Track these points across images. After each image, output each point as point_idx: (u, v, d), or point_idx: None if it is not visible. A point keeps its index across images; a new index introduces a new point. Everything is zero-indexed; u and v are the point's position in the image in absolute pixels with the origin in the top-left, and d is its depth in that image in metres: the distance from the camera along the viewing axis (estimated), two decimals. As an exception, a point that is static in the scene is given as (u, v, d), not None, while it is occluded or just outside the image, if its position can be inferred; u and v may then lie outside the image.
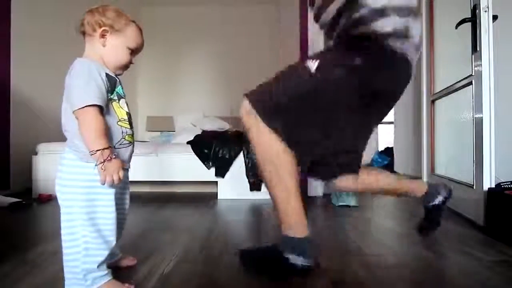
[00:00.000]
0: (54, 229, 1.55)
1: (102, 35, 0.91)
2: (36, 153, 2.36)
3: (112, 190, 0.87)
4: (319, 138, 1.00)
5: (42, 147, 2.35)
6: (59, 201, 0.86)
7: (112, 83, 0.90)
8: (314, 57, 1.04)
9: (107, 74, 0.89)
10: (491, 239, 1.39)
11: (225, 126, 3.74)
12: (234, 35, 4.66)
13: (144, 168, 2.40)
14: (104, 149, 0.80)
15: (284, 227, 1.03)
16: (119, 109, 0.91)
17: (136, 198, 2.32)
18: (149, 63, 4.76)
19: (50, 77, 2.94)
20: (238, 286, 0.96)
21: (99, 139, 0.81)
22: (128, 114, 0.95)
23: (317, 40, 2.48)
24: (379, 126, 5.11)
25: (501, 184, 1.51)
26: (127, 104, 0.96)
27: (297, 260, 1.00)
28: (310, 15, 2.49)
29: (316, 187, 2.46)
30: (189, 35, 4.71)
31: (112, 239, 0.89)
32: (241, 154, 2.38)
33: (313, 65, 0.97)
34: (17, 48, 2.52)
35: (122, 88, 0.95)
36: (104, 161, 0.80)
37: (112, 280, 0.90)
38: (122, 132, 0.91)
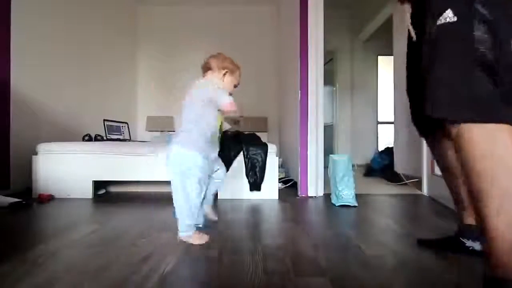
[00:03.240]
0: (54, 229, 1.55)
1: (224, 74, 1.47)
2: (36, 153, 2.36)
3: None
4: None
5: (42, 147, 2.35)
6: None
7: None
8: None
9: None
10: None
11: (225, 126, 3.74)
12: (233, 35, 4.66)
13: (144, 168, 2.40)
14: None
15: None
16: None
17: (136, 198, 2.32)
18: (149, 63, 4.77)
19: (50, 77, 2.95)
20: (238, 286, 0.96)
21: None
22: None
23: (317, 40, 2.48)
24: (379, 126, 5.12)
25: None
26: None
27: (474, 245, 1.10)
28: (310, 15, 2.50)
29: (316, 187, 2.47)
30: (188, 35, 4.71)
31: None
32: (241, 154, 2.37)
33: None
34: (17, 48, 2.52)
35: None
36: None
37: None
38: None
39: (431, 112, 0.84)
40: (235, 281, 0.98)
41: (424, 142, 2.50)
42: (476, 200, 0.79)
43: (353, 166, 2.25)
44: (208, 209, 1.64)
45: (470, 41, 0.77)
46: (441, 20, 0.81)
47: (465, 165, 0.80)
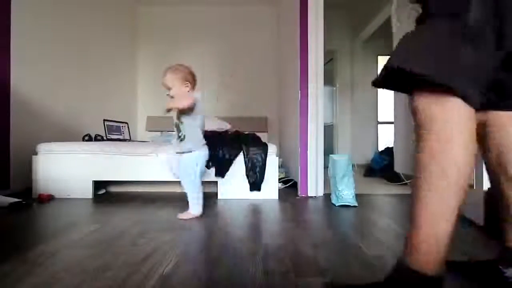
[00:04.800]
0: (54, 229, 1.55)
1: None
2: (36, 153, 2.36)
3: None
4: None
5: (42, 147, 2.35)
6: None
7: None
8: None
9: None
10: (491, 239, 1.39)
11: (225, 126, 3.74)
12: (233, 35, 4.66)
13: (144, 168, 2.40)
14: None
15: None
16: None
17: (136, 198, 2.32)
18: (149, 63, 4.76)
19: (50, 77, 2.95)
20: (238, 286, 0.96)
21: None
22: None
23: (317, 40, 2.48)
24: (379, 126, 5.12)
25: (501, 184, 1.50)
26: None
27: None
28: (310, 15, 2.50)
29: (317, 187, 2.47)
30: (188, 35, 4.71)
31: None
32: (241, 154, 2.38)
33: None
34: (17, 48, 2.52)
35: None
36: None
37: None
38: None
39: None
40: (235, 281, 0.98)
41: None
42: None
43: (353, 166, 2.25)
44: None
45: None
46: None
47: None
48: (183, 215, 1.78)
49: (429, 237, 0.73)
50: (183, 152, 1.81)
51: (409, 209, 0.80)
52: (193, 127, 1.79)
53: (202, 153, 1.83)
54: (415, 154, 0.78)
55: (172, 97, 1.79)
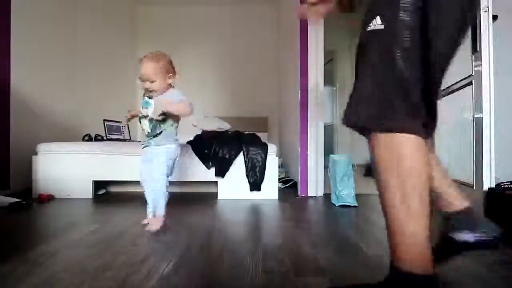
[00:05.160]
0: (54, 229, 1.55)
1: None
2: (36, 153, 2.36)
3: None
4: None
5: (42, 147, 2.35)
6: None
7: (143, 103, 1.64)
8: None
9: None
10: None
11: (225, 126, 3.74)
12: (233, 35, 4.66)
13: (144, 168, 2.39)
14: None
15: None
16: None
17: (137, 198, 2.32)
18: (149, 63, 4.76)
19: (50, 77, 2.95)
20: (238, 286, 0.96)
21: None
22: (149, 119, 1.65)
23: (317, 40, 2.48)
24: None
25: (501, 184, 1.51)
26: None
27: (465, 236, 0.92)
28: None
29: (317, 187, 2.47)
30: (187, 35, 4.70)
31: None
32: (241, 154, 2.38)
33: None
34: (17, 48, 2.52)
35: (147, 103, 1.63)
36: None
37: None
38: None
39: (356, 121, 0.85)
40: (235, 281, 0.98)
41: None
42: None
43: (353, 166, 2.24)
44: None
45: (391, 49, 0.74)
46: (370, 27, 0.77)
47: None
48: (152, 225, 1.52)
49: (405, 238, 0.74)
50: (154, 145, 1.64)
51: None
52: (173, 126, 1.64)
53: (174, 146, 1.63)
54: (372, 161, 0.82)
55: (152, 91, 1.57)
